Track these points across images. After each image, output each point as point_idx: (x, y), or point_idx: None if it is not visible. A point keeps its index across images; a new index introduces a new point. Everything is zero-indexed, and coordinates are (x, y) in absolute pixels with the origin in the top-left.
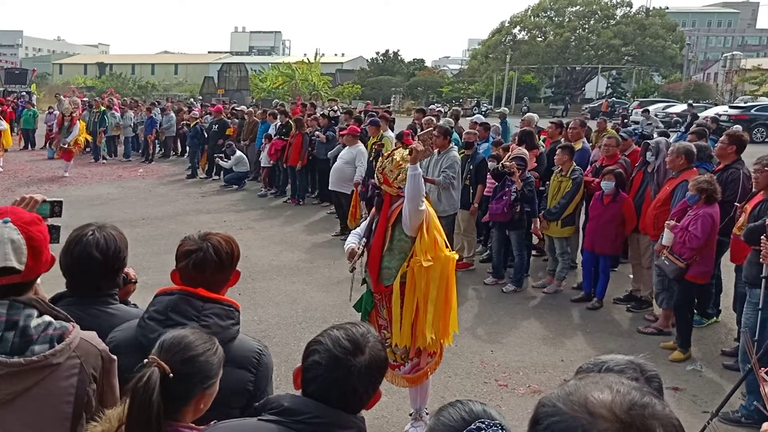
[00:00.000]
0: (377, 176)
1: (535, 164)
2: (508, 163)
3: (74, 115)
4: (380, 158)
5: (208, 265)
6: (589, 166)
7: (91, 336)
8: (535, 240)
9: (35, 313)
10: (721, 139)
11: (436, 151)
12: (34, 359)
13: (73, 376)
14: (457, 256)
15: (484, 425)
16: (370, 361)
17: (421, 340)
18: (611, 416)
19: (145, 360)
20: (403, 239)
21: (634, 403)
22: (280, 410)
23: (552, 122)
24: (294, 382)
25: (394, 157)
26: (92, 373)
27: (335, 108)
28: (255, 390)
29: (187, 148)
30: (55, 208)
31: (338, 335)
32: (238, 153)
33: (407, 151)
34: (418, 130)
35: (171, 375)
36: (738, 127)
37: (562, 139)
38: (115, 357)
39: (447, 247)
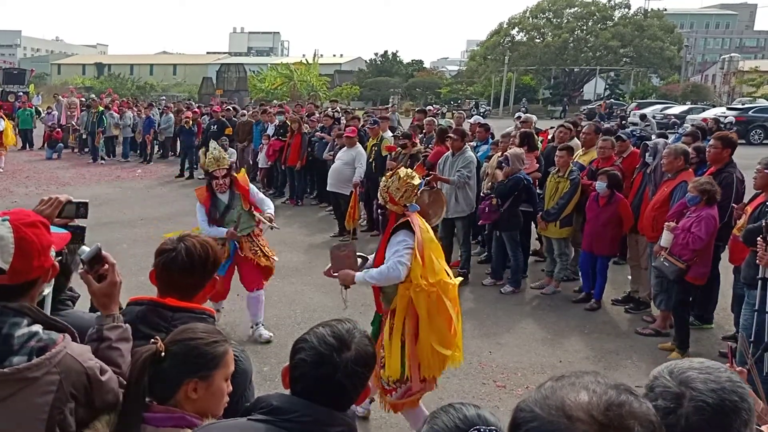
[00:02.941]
0: (382, 195)
1: (537, 165)
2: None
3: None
4: (384, 177)
5: (176, 267)
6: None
7: (81, 351)
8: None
9: (24, 321)
10: (711, 144)
11: (450, 152)
12: (6, 371)
13: (49, 393)
14: (458, 281)
15: None
16: (356, 357)
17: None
18: (589, 418)
19: (152, 339)
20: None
21: (611, 403)
22: (269, 410)
23: (564, 125)
24: (282, 381)
25: (399, 174)
26: (71, 392)
27: (337, 108)
28: (232, 396)
29: (178, 147)
30: (81, 209)
31: (323, 332)
32: (231, 149)
33: (410, 171)
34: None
35: (163, 353)
36: (731, 117)
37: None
38: (105, 379)
39: (448, 274)
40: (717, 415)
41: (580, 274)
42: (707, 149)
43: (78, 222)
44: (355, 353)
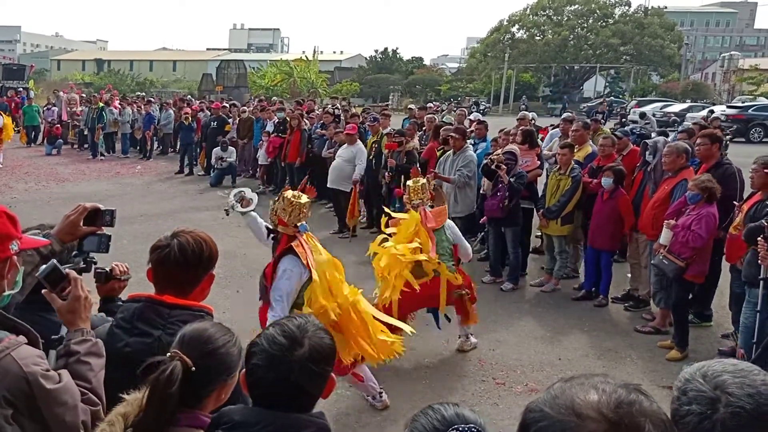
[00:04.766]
0: (271, 219)
1: (538, 162)
2: (495, 156)
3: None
4: (271, 202)
5: (169, 263)
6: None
7: (26, 355)
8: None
9: None
10: (699, 142)
11: (451, 151)
12: None
13: None
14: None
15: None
16: (311, 353)
17: None
18: (599, 416)
19: (168, 354)
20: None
21: (621, 401)
22: (231, 425)
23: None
24: (242, 386)
25: (285, 195)
26: (6, 397)
27: (338, 106)
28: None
29: (179, 143)
30: (107, 217)
31: (273, 333)
32: (231, 148)
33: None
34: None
35: (193, 369)
36: (718, 114)
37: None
38: (52, 387)
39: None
40: (754, 420)
41: (582, 270)
42: (696, 148)
43: (105, 230)
44: (309, 349)
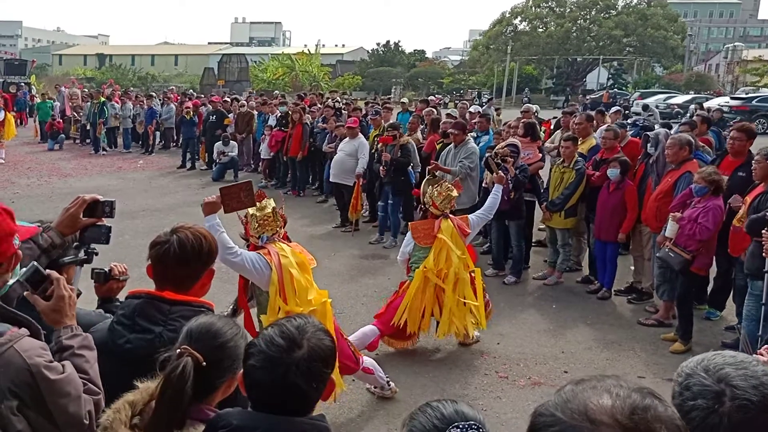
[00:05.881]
0: (244, 229)
1: (540, 155)
2: (500, 150)
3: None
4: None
5: (169, 259)
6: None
7: (29, 347)
8: (541, 236)
9: None
10: (734, 135)
11: (452, 144)
12: None
13: None
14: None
15: (459, 429)
16: (309, 354)
17: None
18: (613, 422)
19: (177, 350)
20: (261, 293)
21: (636, 407)
22: (229, 429)
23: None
24: (240, 387)
25: (248, 211)
26: (11, 389)
27: (338, 99)
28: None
29: (180, 138)
30: (106, 208)
31: (272, 334)
32: (233, 142)
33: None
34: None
35: (204, 364)
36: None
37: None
38: (55, 378)
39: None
40: (761, 413)
41: (585, 264)
42: (728, 142)
43: (104, 222)
44: (308, 350)
